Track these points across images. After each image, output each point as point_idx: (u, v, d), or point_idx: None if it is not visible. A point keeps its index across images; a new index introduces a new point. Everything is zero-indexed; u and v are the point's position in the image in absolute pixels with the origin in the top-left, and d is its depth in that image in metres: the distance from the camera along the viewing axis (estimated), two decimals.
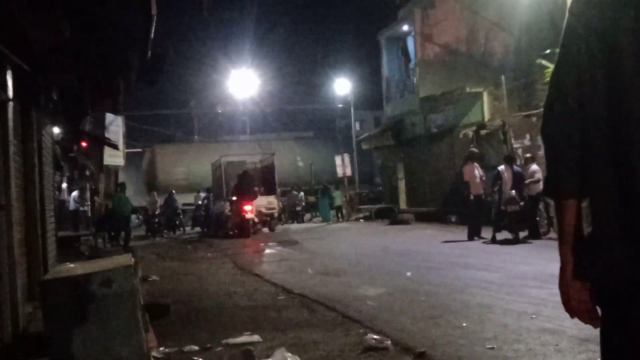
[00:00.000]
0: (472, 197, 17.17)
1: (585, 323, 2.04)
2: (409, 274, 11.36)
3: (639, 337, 1.84)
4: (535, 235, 16.09)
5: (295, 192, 36.16)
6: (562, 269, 2.04)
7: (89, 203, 29.97)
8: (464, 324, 7.14)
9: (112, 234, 24.29)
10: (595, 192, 1.92)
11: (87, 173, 31.80)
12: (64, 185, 31.17)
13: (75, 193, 29.13)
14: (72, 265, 6.20)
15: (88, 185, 32.13)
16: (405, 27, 31.29)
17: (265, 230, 26.41)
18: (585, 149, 1.94)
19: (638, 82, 1.81)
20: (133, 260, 5.31)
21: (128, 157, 39.17)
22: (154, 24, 7.99)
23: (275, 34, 75.18)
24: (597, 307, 1.98)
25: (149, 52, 8.98)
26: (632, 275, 1.81)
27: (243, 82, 40.32)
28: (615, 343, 1.91)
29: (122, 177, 36.06)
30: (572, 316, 2.05)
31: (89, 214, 29.05)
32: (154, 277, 12.67)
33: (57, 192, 20.92)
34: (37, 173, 10.42)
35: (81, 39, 8.84)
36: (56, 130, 16.45)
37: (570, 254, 2.01)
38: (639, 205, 1.79)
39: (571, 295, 2.01)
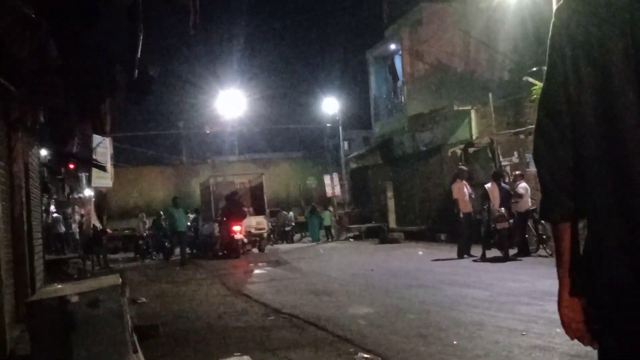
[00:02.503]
0: (461, 215, 17.17)
1: (585, 345, 2.01)
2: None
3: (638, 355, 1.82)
4: (524, 252, 16.10)
5: (284, 212, 36.09)
6: (560, 290, 2.02)
7: (77, 225, 29.82)
8: (455, 342, 7.11)
9: (166, 252, 24.28)
10: (592, 212, 1.90)
11: (75, 195, 31.66)
12: (52, 207, 31.01)
13: (57, 215, 28.99)
14: (59, 286, 6.15)
15: (76, 207, 31.98)
16: (393, 46, 31.48)
17: (255, 250, 26.30)
18: (579, 170, 1.92)
19: (627, 100, 1.79)
20: (120, 280, 5.26)
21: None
22: (140, 44, 7.99)
23: (263, 54, 75.47)
24: (594, 328, 1.96)
25: (136, 72, 8.97)
26: (632, 292, 1.79)
27: (231, 102, 40.30)
28: None
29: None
30: (571, 337, 2.03)
31: (77, 236, 28.88)
32: (143, 299, 12.59)
33: (44, 215, 20.81)
34: (24, 195, 10.36)
35: (68, 59, 8.83)
36: (43, 152, 16.38)
37: (567, 275, 2.00)
38: (637, 223, 1.77)
39: (570, 316, 2.00)
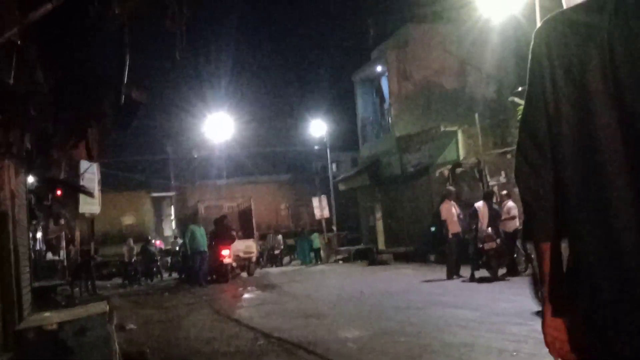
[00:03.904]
0: (450, 236, 17.17)
1: None
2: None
3: None
4: (513, 272, 16.09)
5: (273, 235, 36.01)
6: (544, 310, 2.03)
7: (65, 251, 29.64)
8: None
9: (190, 274, 23.37)
10: (573, 233, 1.91)
11: (62, 222, 31.46)
12: (39, 234, 30.81)
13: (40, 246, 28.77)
14: (47, 314, 6.10)
15: (64, 233, 31.79)
16: (379, 68, 31.63)
17: (244, 274, 26.18)
18: (560, 191, 1.94)
19: (605, 120, 1.81)
20: (108, 307, 5.23)
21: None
22: (127, 69, 8.01)
23: (250, 78, 75.47)
24: (578, 347, 1.97)
25: (123, 97, 8.98)
26: (614, 313, 1.80)
27: (219, 126, 40.33)
28: None
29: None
30: (555, 357, 2.03)
31: (65, 263, 28.68)
32: (132, 326, 12.48)
33: (32, 242, 20.67)
34: (11, 222, 10.29)
35: (56, 84, 8.83)
36: (30, 178, 16.30)
37: (550, 294, 2.01)
38: (619, 242, 1.78)
39: (554, 335, 2.00)
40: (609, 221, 1.80)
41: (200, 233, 23.07)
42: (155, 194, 48.69)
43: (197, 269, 22.56)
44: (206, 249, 23.09)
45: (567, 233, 1.95)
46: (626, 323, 1.79)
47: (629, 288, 1.77)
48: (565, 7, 2.04)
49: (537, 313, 15.01)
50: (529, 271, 15.92)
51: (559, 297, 1.99)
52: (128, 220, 41.93)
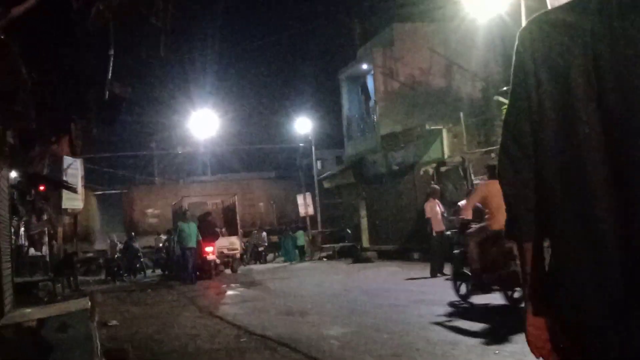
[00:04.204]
0: (434, 234, 17.22)
1: None
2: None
3: None
4: None
5: (257, 232, 35.98)
6: (526, 308, 2.04)
7: (47, 247, 29.42)
8: None
9: (180, 270, 22.89)
10: (554, 232, 1.92)
11: (45, 217, 31.27)
12: (21, 230, 30.60)
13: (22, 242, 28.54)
14: (28, 310, 6.06)
15: (47, 229, 31.58)
16: (365, 66, 31.64)
17: (228, 271, 26.15)
18: (541, 190, 1.95)
19: (589, 120, 1.81)
20: (90, 304, 5.20)
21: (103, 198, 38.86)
22: (112, 65, 7.97)
23: (235, 74, 75.49)
24: (559, 347, 1.98)
25: (107, 92, 8.93)
26: (593, 313, 1.81)
27: (203, 123, 40.25)
28: None
29: (98, 219, 35.50)
30: (536, 356, 2.04)
31: (47, 259, 28.48)
32: (114, 322, 12.42)
33: (14, 237, 20.51)
34: None
35: (39, 80, 8.77)
36: (13, 174, 16.19)
37: (532, 293, 2.02)
38: (599, 244, 1.79)
39: (535, 334, 2.01)
40: (589, 222, 1.81)
41: (190, 229, 22.71)
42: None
43: (187, 266, 22.33)
44: (195, 245, 22.81)
45: (547, 233, 1.96)
46: (604, 325, 1.80)
47: (607, 290, 1.78)
48: (549, 7, 2.05)
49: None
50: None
51: (540, 297, 2.00)
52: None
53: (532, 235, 2.00)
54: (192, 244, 22.53)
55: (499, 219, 9.63)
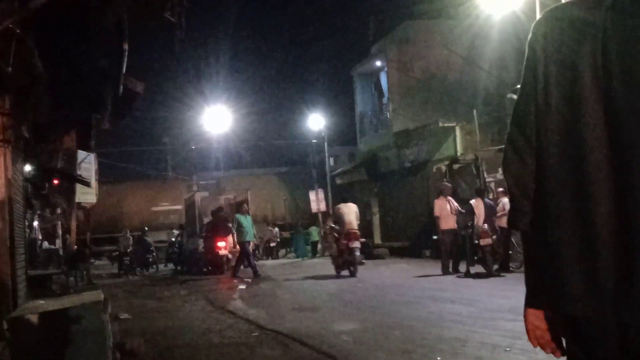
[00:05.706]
0: (441, 232, 17.20)
1: (547, 352, 2.05)
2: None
3: None
4: (505, 268, 16.15)
5: (269, 228, 36.00)
6: (526, 298, 2.06)
7: (61, 240, 29.62)
8: (439, 358, 7.11)
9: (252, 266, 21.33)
10: (552, 223, 1.92)
11: (59, 211, 31.45)
12: (36, 223, 30.79)
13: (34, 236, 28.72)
14: (41, 302, 6.11)
15: (60, 223, 31.76)
16: (379, 63, 31.61)
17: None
18: (541, 180, 1.96)
19: (595, 114, 1.83)
20: (102, 296, 5.24)
21: None
22: (126, 60, 8.00)
23: (249, 70, 75.57)
24: (559, 337, 1.99)
25: (121, 88, 8.97)
26: (586, 305, 1.82)
27: (217, 119, 40.27)
28: None
29: None
30: (534, 345, 2.06)
31: (60, 252, 28.64)
32: (126, 316, 12.48)
33: (28, 230, 20.64)
34: (7, 211, 10.29)
35: (55, 74, 8.82)
36: (27, 167, 16.28)
37: (532, 283, 2.03)
38: (595, 237, 1.80)
39: (535, 324, 2.03)
40: (587, 215, 1.82)
41: (247, 223, 21.56)
42: None
43: (249, 260, 21.29)
44: (253, 239, 22.19)
45: (544, 223, 1.97)
46: (598, 317, 1.81)
47: (601, 282, 1.79)
48: (563, 1, 2.06)
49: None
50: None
51: (540, 287, 2.01)
52: None
53: (534, 225, 2.01)
54: (250, 237, 21.63)
55: None
